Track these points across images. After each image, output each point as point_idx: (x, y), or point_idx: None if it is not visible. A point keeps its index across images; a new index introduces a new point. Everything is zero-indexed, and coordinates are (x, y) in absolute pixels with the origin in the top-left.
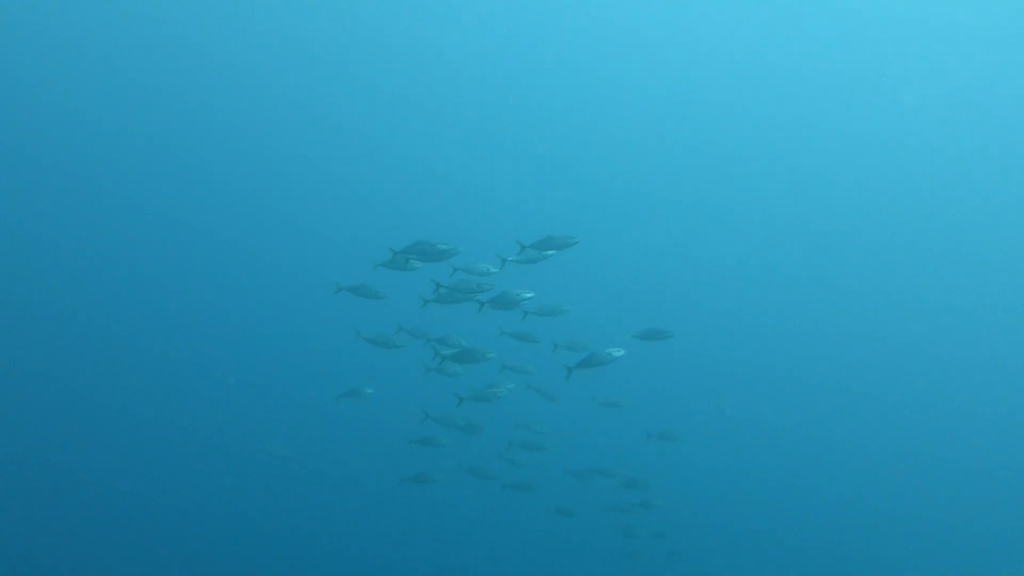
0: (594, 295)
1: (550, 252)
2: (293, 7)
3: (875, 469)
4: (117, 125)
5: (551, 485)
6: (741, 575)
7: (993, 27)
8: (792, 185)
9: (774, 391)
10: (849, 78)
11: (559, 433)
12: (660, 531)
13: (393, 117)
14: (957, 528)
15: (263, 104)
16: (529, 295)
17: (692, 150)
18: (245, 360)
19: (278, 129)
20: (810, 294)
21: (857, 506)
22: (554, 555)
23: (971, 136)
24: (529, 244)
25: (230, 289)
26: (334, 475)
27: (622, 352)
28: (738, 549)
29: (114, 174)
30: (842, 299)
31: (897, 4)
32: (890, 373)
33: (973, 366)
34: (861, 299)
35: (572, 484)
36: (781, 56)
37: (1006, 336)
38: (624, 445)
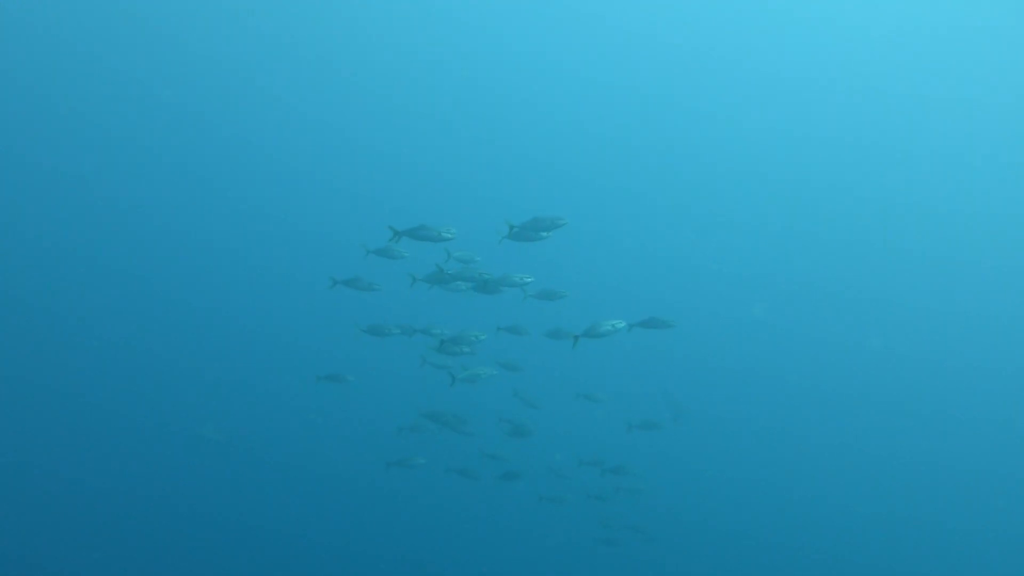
0: (587, 292)
1: (544, 235)
2: (285, 6)
3: (855, 468)
4: (113, 121)
5: (535, 477)
6: (717, 563)
7: (992, 28)
8: (786, 187)
9: (759, 389)
10: (845, 78)
11: (543, 429)
12: (637, 523)
13: (386, 116)
14: (934, 526)
15: (259, 104)
16: (529, 279)
17: (684, 152)
18: (237, 356)
19: (272, 128)
20: (798, 294)
21: (834, 503)
22: (534, 543)
23: (967, 140)
24: (518, 225)
25: (222, 286)
26: (322, 467)
27: (623, 324)
28: (715, 540)
29: (114, 171)
30: (828, 299)
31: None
32: (874, 373)
33: (953, 366)
34: (846, 300)
35: (556, 475)
36: (778, 51)
37: (978, 336)
38: (604, 440)
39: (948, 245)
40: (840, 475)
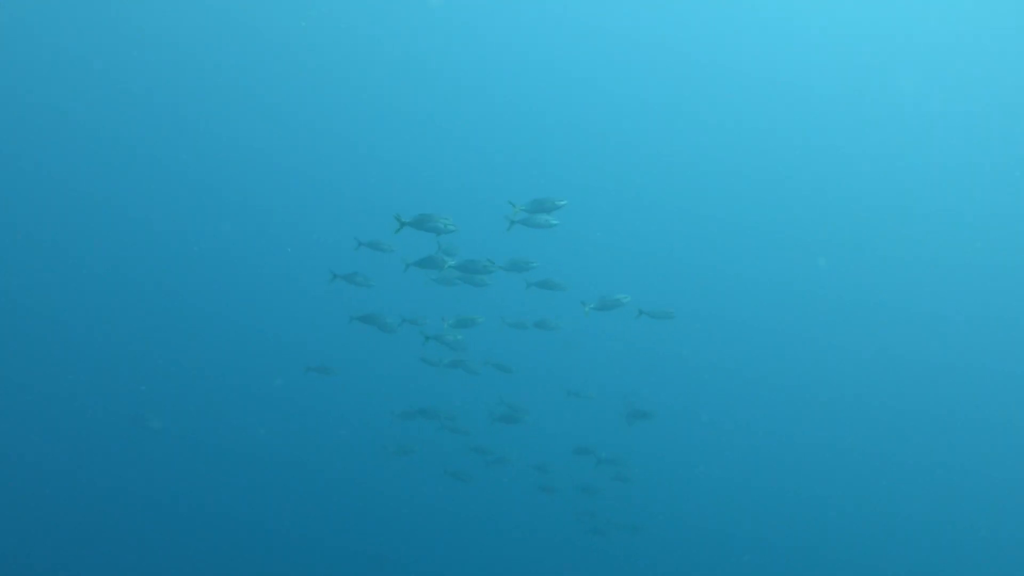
0: (583, 293)
1: (553, 222)
2: (279, 9)
3: (843, 467)
4: (115, 124)
5: (523, 470)
6: (701, 553)
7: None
8: (784, 189)
9: (752, 389)
10: (843, 79)
11: (532, 424)
12: (623, 515)
13: (383, 118)
14: (920, 524)
15: (259, 108)
16: (535, 263)
17: (682, 152)
18: (228, 351)
19: (261, 124)
20: (790, 294)
21: (821, 500)
22: (523, 535)
23: (966, 142)
24: (521, 205)
25: (215, 283)
26: (312, 459)
27: (629, 297)
28: (699, 530)
29: (119, 171)
30: (819, 300)
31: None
32: (866, 374)
33: (948, 366)
34: (837, 300)
35: (545, 466)
36: (778, 54)
37: (976, 337)
38: (593, 434)
39: (947, 246)
40: (827, 473)
